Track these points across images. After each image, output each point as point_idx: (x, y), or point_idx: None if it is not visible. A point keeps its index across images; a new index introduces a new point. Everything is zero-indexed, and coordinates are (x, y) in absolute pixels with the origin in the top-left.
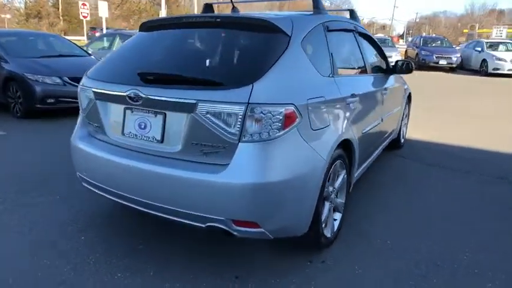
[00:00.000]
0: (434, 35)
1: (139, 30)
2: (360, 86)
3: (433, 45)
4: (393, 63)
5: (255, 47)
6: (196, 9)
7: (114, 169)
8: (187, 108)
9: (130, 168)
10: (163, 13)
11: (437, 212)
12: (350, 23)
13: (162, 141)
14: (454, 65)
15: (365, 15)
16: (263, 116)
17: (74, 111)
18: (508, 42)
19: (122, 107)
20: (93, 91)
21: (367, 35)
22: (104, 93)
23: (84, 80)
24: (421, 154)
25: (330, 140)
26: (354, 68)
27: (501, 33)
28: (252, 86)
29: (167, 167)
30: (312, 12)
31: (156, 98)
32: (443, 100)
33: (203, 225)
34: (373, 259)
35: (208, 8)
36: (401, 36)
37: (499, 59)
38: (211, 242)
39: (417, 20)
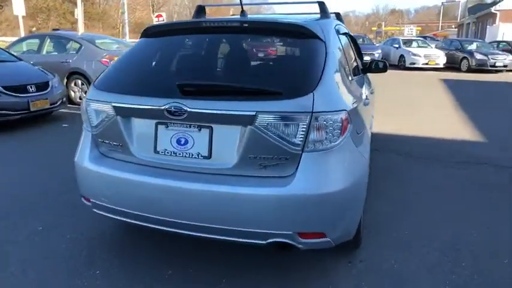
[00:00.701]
0: (355, 34)
1: (146, 36)
2: (360, 87)
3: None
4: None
5: (299, 54)
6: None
7: (148, 191)
8: (246, 120)
9: (172, 189)
10: (79, 11)
11: (430, 198)
12: (344, 25)
13: (209, 157)
14: None
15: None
16: (325, 124)
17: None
18: (419, 40)
19: (153, 122)
20: (113, 106)
21: (352, 36)
22: (129, 107)
23: (93, 93)
24: (392, 146)
25: (367, 143)
26: (352, 70)
27: (412, 32)
28: (313, 95)
29: (222, 184)
30: (319, 16)
31: (205, 111)
32: (377, 94)
33: (263, 242)
34: (403, 252)
35: (200, 10)
36: None
37: (415, 55)
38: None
39: None
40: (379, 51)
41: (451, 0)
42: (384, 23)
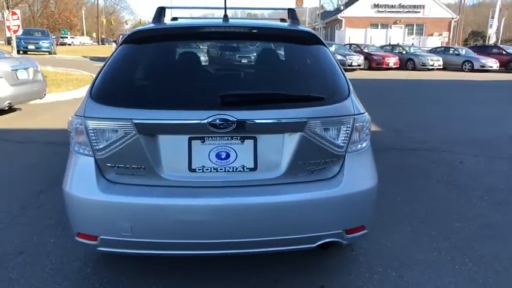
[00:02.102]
0: None
1: (144, 40)
2: None
3: None
4: None
5: (316, 59)
6: None
7: (189, 214)
8: (296, 127)
9: (218, 208)
10: None
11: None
12: None
13: (255, 168)
14: None
15: (145, 16)
16: (362, 125)
17: None
18: None
19: (185, 137)
20: (134, 123)
21: None
22: (158, 124)
23: (99, 109)
24: None
25: None
26: None
27: None
28: (351, 98)
29: (274, 194)
30: (290, 22)
31: (255, 121)
32: None
33: (313, 245)
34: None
35: (161, 12)
36: None
37: None
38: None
39: None
40: None
41: (299, 6)
42: None
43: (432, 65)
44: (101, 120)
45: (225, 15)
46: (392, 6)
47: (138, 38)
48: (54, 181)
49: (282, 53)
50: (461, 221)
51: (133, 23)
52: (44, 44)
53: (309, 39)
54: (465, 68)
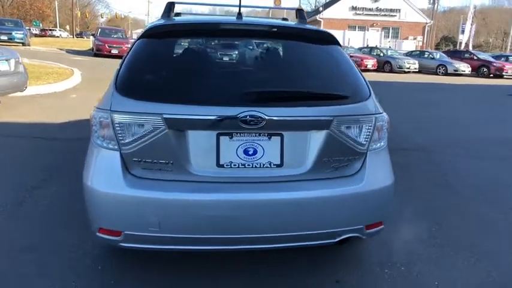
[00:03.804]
0: None
1: (154, 36)
2: None
3: None
4: None
5: (335, 59)
6: None
7: (217, 210)
8: (323, 125)
9: (245, 203)
10: None
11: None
12: None
13: (281, 164)
14: None
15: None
16: (381, 124)
17: None
18: None
19: (214, 133)
20: (164, 118)
21: None
22: (189, 119)
23: (127, 103)
24: None
25: None
26: None
27: None
28: (372, 98)
29: (299, 190)
30: (298, 22)
31: (285, 118)
32: None
33: (334, 240)
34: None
35: (171, 6)
36: None
37: None
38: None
39: None
40: None
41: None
42: None
43: (408, 68)
44: (129, 114)
45: (239, 13)
46: (370, 10)
47: (159, 33)
48: (46, 177)
49: (302, 52)
50: (457, 216)
51: (108, 16)
52: (18, 34)
53: (327, 39)
54: (439, 72)
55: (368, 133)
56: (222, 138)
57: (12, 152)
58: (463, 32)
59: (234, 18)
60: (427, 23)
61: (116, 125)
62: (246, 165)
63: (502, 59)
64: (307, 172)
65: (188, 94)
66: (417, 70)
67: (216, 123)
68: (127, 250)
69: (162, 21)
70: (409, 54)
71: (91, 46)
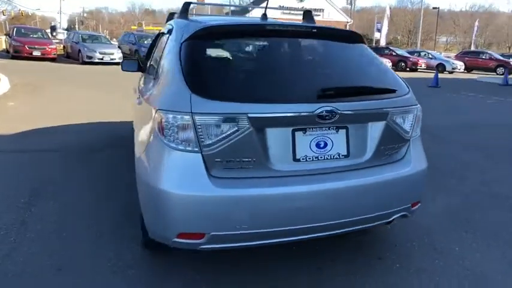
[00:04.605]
0: (144, 33)
1: (207, 37)
2: None
3: (146, 42)
4: None
5: (370, 57)
6: None
7: (297, 202)
8: (382, 116)
9: (319, 193)
10: None
11: None
12: None
13: (348, 155)
14: None
15: (28, 6)
16: (420, 114)
17: None
18: None
19: (289, 129)
20: (249, 117)
21: None
22: (271, 117)
23: (210, 105)
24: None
25: None
26: None
27: None
28: (411, 91)
29: (365, 177)
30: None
31: (355, 112)
32: None
33: (387, 220)
34: None
35: (187, 6)
36: (66, 30)
37: None
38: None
39: (85, 15)
40: None
41: (201, 2)
42: (144, 22)
43: None
44: (213, 116)
45: (264, 14)
46: (296, 9)
47: (211, 33)
48: (33, 192)
49: (342, 50)
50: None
51: (11, 13)
52: None
53: (357, 39)
54: None
55: (412, 122)
56: (297, 133)
57: None
58: (378, 30)
59: (259, 19)
60: (348, 22)
61: (198, 126)
62: (319, 158)
63: (415, 54)
64: (368, 160)
65: (269, 93)
66: None
67: (294, 119)
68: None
69: (214, 23)
70: None
71: (4, 47)
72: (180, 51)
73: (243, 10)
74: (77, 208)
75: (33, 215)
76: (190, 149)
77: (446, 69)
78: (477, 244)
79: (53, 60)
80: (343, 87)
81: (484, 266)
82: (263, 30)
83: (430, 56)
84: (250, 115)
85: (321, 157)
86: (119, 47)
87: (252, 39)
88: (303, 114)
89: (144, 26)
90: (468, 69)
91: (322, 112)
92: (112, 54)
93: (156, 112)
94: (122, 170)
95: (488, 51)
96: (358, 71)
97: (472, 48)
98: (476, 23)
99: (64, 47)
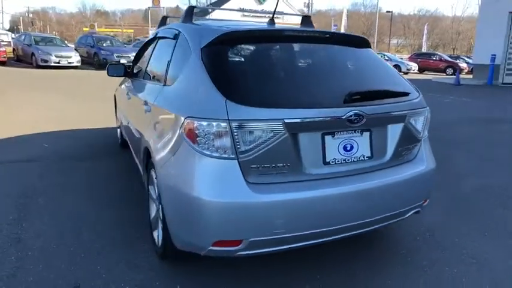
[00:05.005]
0: (102, 35)
1: (234, 42)
2: None
3: (105, 44)
4: None
5: (378, 61)
6: None
7: (329, 205)
8: (402, 118)
9: (348, 195)
10: None
11: None
12: None
13: (372, 156)
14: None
15: None
16: (429, 116)
17: None
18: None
19: (319, 133)
20: (285, 123)
21: None
22: (305, 122)
23: (247, 111)
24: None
25: None
26: None
27: None
28: (420, 94)
29: (386, 177)
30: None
31: (380, 115)
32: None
33: (404, 217)
34: None
35: (192, 10)
36: (11, 31)
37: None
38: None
39: (30, 15)
40: (134, 53)
41: (156, 6)
42: (96, 24)
43: None
44: (250, 122)
45: (272, 19)
46: (256, 11)
47: (233, 39)
48: (21, 207)
49: (354, 55)
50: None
51: None
52: None
53: (366, 44)
54: None
55: (423, 123)
56: (326, 137)
57: None
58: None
59: (266, 25)
60: None
61: (235, 133)
62: (346, 160)
63: None
64: (388, 161)
65: (302, 98)
66: None
67: (326, 123)
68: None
69: (237, 28)
70: None
71: None
72: (202, 56)
73: (203, 11)
74: (74, 221)
75: (27, 231)
76: (226, 156)
77: (402, 70)
78: (473, 234)
79: (2, 64)
80: (368, 91)
81: (484, 253)
82: (281, 35)
83: (387, 58)
84: (286, 120)
85: (348, 159)
86: (75, 49)
87: (271, 44)
88: (334, 118)
89: (96, 27)
90: (421, 70)
91: (351, 116)
92: (69, 57)
93: (184, 119)
94: (109, 178)
95: (438, 53)
96: (374, 75)
97: (424, 50)
98: (426, 26)
99: (14, 49)
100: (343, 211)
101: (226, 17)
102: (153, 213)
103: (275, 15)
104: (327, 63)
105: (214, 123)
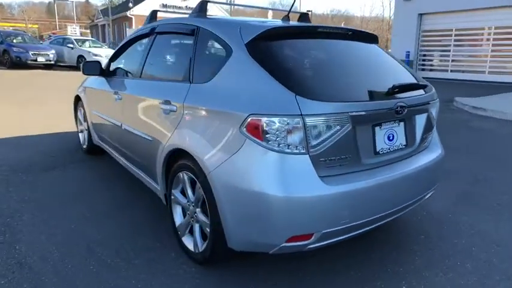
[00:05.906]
0: (11, 30)
1: (279, 36)
2: None
3: (15, 41)
4: None
5: (387, 55)
6: None
7: (383, 192)
8: (427, 109)
9: (395, 181)
10: None
11: None
12: None
13: (407, 145)
14: (52, 62)
15: None
16: (438, 106)
17: None
18: (90, 40)
19: (370, 125)
20: (350, 116)
21: None
22: (366, 115)
23: (315, 107)
24: None
25: None
26: None
27: (75, 31)
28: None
29: (419, 163)
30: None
31: (416, 105)
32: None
33: (421, 201)
34: None
35: (205, 5)
36: None
37: (95, 55)
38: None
39: None
40: (53, 51)
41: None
42: None
43: None
44: (321, 117)
45: (287, 16)
46: (180, 8)
47: (280, 34)
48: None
49: (373, 50)
50: None
51: None
52: None
53: (376, 39)
54: None
55: (436, 112)
56: (376, 128)
57: None
58: None
59: (280, 21)
60: None
61: (308, 128)
62: (390, 149)
63: None
64: (416, 148)
65: (361, 92)
66: None
67: (379, 115)
68: None
69: (280, 24)
70: None
71: None
72: (250, 52)
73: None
74: (76, 239)
75: (26, 255)
76: (297, 151)
77: None
78: (472, 221)
79: None
80: (405, 85)
81: (486, 230)
82: (315, 32)
83: None
84: (351, 114)
85: (391, 148)
86: None
87: (314, 41)
88: (386, 110)
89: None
90: None
91: (397, 107)
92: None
93: (247, 117)
94: (89, 188)
95: None
96: (396, 69)
97: None
98: (343, 25)
99: None
100: (392, 196)
101: (146, 13)
102: (179, 218)
103: (182, 10)
104: (364, 58)
105: (287, 119)
